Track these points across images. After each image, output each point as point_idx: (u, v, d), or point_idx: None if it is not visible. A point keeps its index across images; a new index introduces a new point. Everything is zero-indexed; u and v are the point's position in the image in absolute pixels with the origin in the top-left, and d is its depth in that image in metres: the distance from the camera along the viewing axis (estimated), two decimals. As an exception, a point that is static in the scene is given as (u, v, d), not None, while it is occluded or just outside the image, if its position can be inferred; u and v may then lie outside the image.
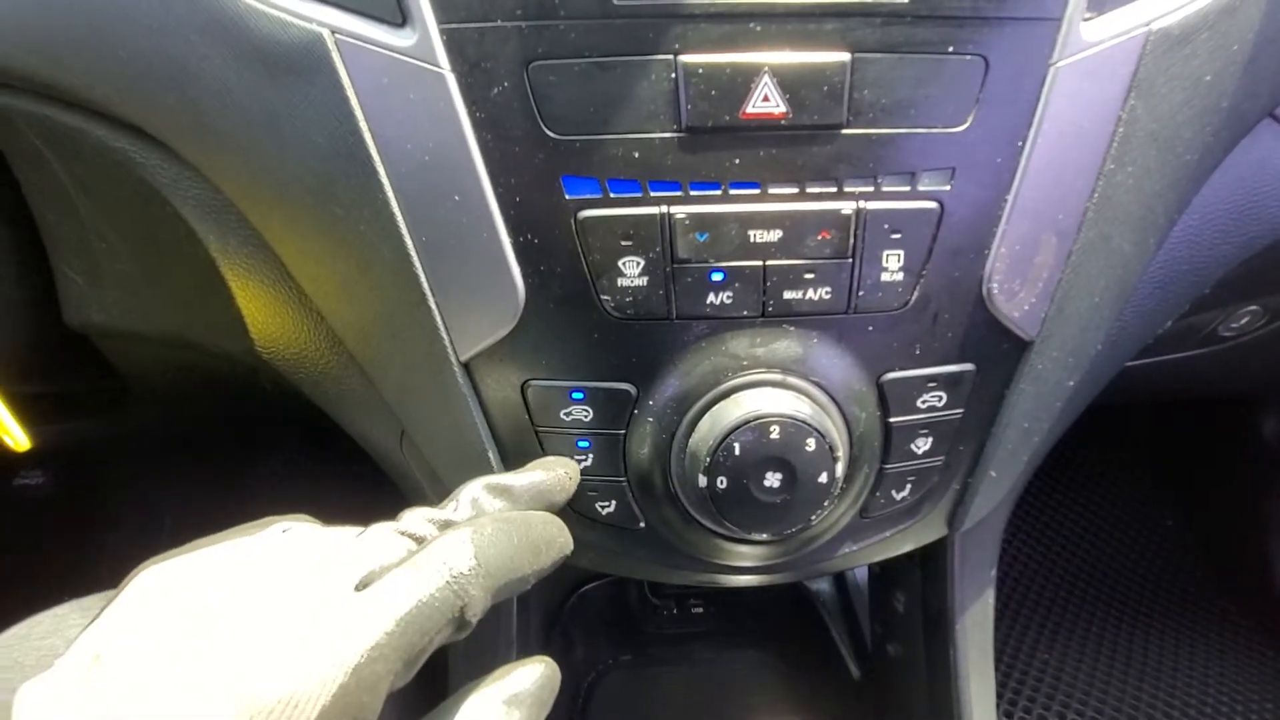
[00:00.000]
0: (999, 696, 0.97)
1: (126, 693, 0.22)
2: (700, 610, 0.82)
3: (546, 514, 0.33)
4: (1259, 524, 1.07)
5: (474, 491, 0.32)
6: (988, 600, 0.50)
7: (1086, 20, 0.33)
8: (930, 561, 0.55)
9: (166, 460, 1.04)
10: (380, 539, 0.28)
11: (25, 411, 0.61)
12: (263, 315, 0.44)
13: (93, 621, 0.25)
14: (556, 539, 0.32)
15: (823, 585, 0.82)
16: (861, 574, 0.77)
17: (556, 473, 0.35)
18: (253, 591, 0.25)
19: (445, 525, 0.30)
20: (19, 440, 0.59)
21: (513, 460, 0.41)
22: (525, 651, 0.49)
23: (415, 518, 0.30)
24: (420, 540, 0.29)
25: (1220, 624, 1.08)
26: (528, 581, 0.30)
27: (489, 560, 0.28)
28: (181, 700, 0.22)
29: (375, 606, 0.25)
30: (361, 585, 0.26)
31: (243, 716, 0.22)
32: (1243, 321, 0.59)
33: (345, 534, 0.30)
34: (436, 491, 0.47)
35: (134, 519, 1.01)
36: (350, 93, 0.32)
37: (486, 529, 0.29)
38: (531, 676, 0.29)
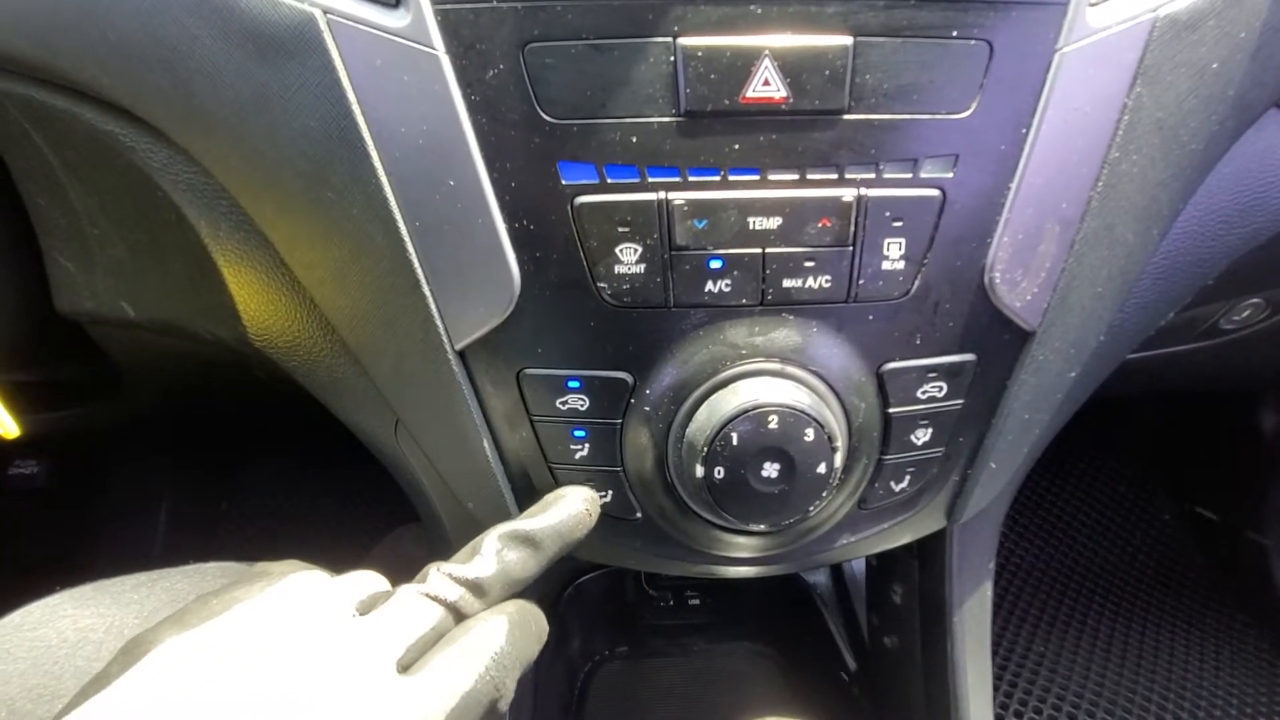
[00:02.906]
0: (995, 688, 0.97)
1: None
2: (697, 602, 0.82)
3: (534, 606, 0.32)
4: (1256, 518, 1.08)
5: (496, 543, 0.32)
6: (985, 592, 0.50)
7: (1093, 5, 0.32)
8: (928, 553, 0.55)
9: (162, 451, 1.03)
10: (412, 607, 0.28)
11: (17, 399, 0.61)
12: (255, 302, 0.44)
13: (101, 690, 0.23)
14: (545, 627, 0.32)
15: (819, 577, 0.82)
16: (858, 566, 0.77)
17: (576, 509, 0.34)
18: (291, 674, 0.24)
19: (473, 586, 0.30)
20: (9, 429, 0.59)
21: (509, 450, 0.40)
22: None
23: (442, 580, 0.30)
24: (450, 607, 0.29)
25: (1216, 616, 1.08)
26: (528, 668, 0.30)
27: (520, 649, 0.28)
28: None
29: (425, 698, 0.25)
30: (402, 666, 0.26)
31: None
32: (1244, 314, 0.58)
33: (365, 589, 0.29)
34: (430, 478, 0.47)
35: (129, 509, 1.01)
36: (342, 74, 0.31)
37: (515, 616, 0.29)
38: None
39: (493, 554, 0.31)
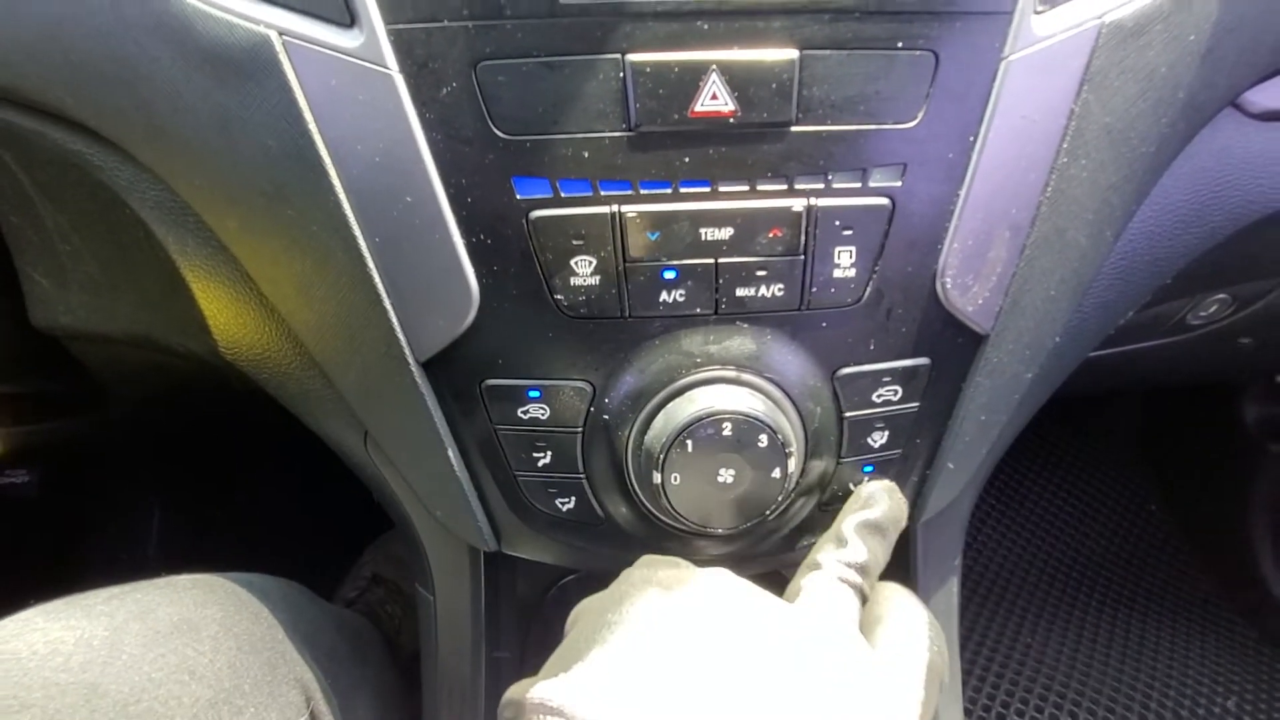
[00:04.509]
0: (981, 680, 0.98)
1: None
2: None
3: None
4: (1240, 508, 1.08)
5: (857, 532, 0.36)
6: (952, 588, 0.51)
7: (1038, 14, 0.33)
8: (894, 551, 0.55)
9: (153, 458, 1.04)
10: (838, 595, 0.33)
11: (2, 412, 0.61)
12: (224, 316, 0.44)
13: (601, 628, 0.29)
14: None
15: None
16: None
17: (896, 498, 0.39)
18: (797, 658, 0.28)
19: (862, 570, 0.35)
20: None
21: (474, 459, 0.41)
22: (494, 643, 0.50)
23: (836, 565, 0.34)
24: (855, 587, 0.34)
25: (1202, 606, 1.09)
26: None
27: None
28: None
29: (908, 667, 0.30)
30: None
31: None
32: (1211, 310, 0.59)
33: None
34: (400, 488, 0.47)
35: (121, 520, 1.02)
36: (299, 95, 0.32)
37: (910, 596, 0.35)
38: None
39: (859, 540, 0.35)
